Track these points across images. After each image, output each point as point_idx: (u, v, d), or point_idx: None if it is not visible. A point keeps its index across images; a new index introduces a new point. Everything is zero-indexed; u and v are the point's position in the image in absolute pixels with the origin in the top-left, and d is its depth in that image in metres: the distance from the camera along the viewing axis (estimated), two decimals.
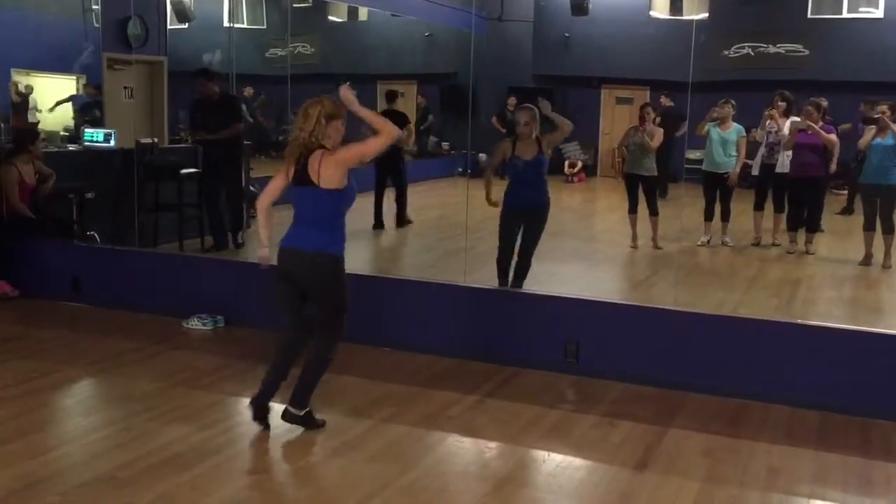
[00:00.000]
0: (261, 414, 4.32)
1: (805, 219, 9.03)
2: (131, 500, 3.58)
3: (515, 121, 6.37)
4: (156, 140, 8.80)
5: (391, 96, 11.18)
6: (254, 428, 4.41)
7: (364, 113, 4.23)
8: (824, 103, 9.78)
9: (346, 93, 4.22)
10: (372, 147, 4.16)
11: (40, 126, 10.85)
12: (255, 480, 3.82)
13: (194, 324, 6.15)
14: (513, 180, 6.39)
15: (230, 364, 5.42)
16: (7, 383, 4.94)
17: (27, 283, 6.84)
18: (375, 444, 4.22)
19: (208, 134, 7.92)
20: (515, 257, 6.37)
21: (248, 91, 14.72)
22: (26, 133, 7.95)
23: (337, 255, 4.17)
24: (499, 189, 6.40)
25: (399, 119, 10.42)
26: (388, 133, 4.11)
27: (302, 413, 4.29)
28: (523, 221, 6.35)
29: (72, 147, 9.06)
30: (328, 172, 4.05)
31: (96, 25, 9.98)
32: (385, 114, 10.61)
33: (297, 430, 4.35)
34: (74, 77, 12.49)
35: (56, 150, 8.60)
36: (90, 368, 5.31)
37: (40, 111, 12.43)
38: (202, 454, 4.05)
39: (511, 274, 6.35)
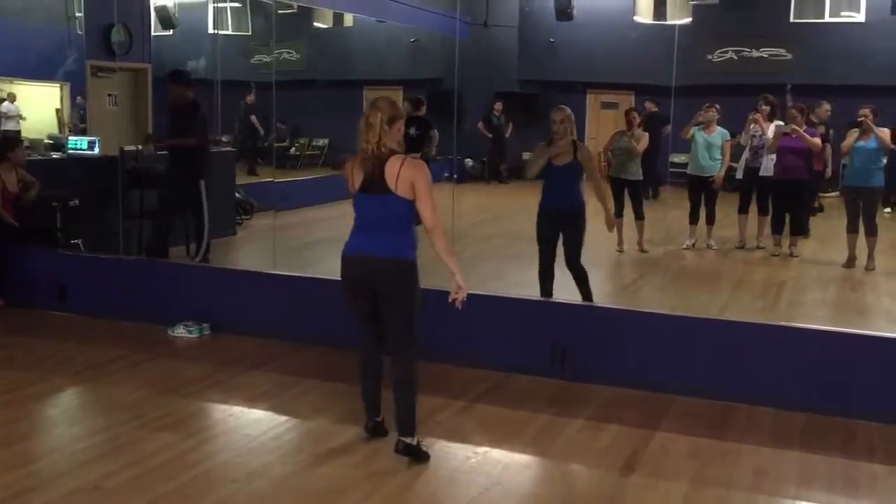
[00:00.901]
0: (381, 432, 4.29)
1: (790, 221, 9.11)
2: None
3: (551, 119, 6.12)
4: (140, 147, 8.78)
5: (417, 103, 11.33)
6: (240, 436, 4.40)
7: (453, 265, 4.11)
8: (825, 106, 9.90)
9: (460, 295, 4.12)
10: (432, 211, 3.98)
11: (23, 134, 10.80)
12: (242, 488, 3.80)
13: (180, 331, 6.13)
14: (546, 184, 6.20)
15: (216, 372, 5.39)
16: None
17: (12, 293, 6.79)
18: (363, 450, 4.21)
19: (171, 139, 7.71)
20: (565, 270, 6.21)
21: (250, 98, 14.72)
22: (5, 141, 7.90)
23: (412, 260, 4.04)
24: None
25: (423, 125, 10.61)
26: (439, 230, 4.01)
27: (414, 442, 4.10)
28: (559, 228, 6.15)
29: (55, 155, 9.02)
30: (407, 181, 3.91)
31: (80, 32, 9.96)
32: (410, 120, 10.87)
33: (285, 436, 4.35)
34: (58, 84, 12.44)
35: (40, 157, 8.55)
36: (76, 377, 5.28)
37: (24, 118, 12.38)
38: (188, 462, 4.03)
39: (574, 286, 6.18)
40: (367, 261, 4.01)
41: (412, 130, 10.49)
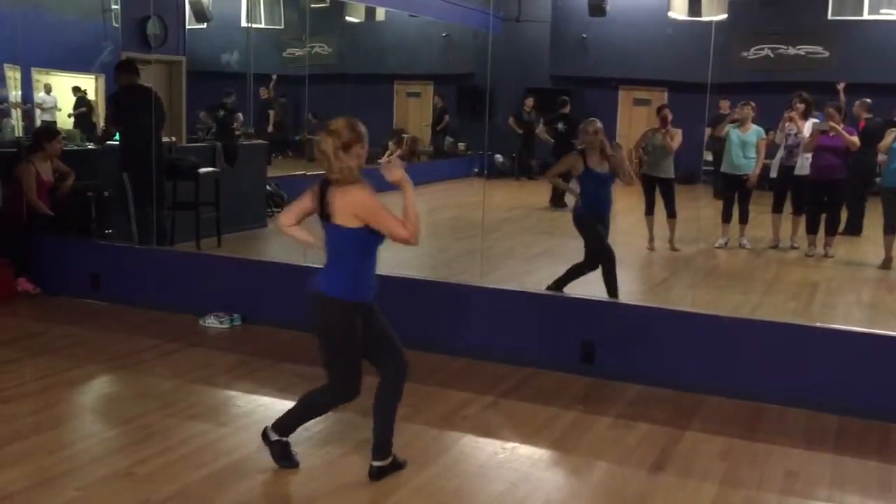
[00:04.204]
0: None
1: (825, 221, 8.97)
2: (148, 496, 3.60)
3: (582, 130, 6.45)
4: (174, 139, 8.86)
5: (563, 102, 11.39)
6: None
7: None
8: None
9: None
10: (398, 228, 3.63)
11: (59, 125, 10.93)
12: (271, 478, 3.83)
13: (211, 322, 6.18)
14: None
15: (247, 362, 5.44)
16: (26, 379, 4.98)
17: (47, 281, 6.90)
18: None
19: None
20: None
21: (264, 91, 14.80)
22: (42, 132, 8.00)
23: (334, 297, 3.73)
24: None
25: (570, 121, 11.00)
26: (409, 234, 3.65)
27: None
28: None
29: (91, 146, 9.12)
30: (348, 212, 3.65)
31: (115, 25, 10.05)
32: (558, 117, 11.18)
33: (314, 428, 4.36)
34: (94, 76, 12.58)
35: (76, 148, 8.65)
36: (108, 365, 5.34)
37: (60, 110, 12.53)
38: (219, 451, 4.07)
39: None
40: (308, 295, 3.80)
41: (560, 126, 11.27)
